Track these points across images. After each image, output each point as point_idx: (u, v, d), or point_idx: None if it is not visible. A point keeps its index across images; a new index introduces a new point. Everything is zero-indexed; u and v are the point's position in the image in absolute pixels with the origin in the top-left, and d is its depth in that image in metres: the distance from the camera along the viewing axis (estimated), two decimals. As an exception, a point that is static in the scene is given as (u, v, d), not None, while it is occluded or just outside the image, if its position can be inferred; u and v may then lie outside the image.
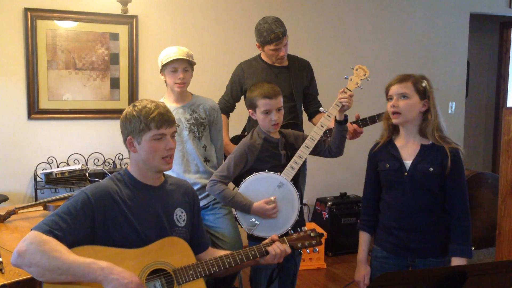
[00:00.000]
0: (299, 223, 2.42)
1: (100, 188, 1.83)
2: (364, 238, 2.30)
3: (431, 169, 2.11)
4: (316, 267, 4.12)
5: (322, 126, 2.47)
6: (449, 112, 5.40)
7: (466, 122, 5.62)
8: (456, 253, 2.12)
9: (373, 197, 2.29)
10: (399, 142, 2.22)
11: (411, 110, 2.13)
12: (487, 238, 4.33)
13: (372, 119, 2.84)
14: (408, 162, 2.16)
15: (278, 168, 2.42)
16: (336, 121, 2.48)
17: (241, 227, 2.44)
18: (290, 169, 2.41)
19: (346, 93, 2.44)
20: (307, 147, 2.46)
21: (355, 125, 2.79)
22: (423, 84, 2.14)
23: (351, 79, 2.59)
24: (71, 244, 1.70)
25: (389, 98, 2.19)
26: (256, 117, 2.47)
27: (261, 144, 2.45)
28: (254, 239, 2.38)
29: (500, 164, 3.39)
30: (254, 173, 2.41)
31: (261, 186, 2.39)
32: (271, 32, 2.90)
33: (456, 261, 2.11)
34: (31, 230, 1.70)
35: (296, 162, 2.42)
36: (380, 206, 2.27)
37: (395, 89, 2.16)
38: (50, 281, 1.65)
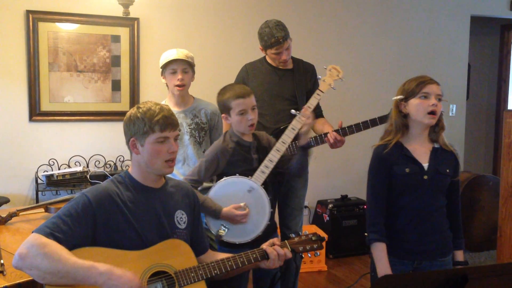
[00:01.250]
0: (270, 227, 2.38)
1: (100, 190, 1.83)
2: (383, 250, 2.09)
3: (448, 170, 2.13)
4: (317, 270, 4.12)
5: (293, 129, 2.41)
6: (450, 114, 5.40)
7: (467, 124, 5.62)
8: (460, 246, 2.21)
9: (384, 202, 2.15)
10: (410, 145, 2.16)
11: (439, 114, 2.13)
12: (488, 240, 4.32)
13: (357, 127, 2.77)
14: (425, 165, 2.13)
15: (250, 172, 2.36)
16: (299, 145, 2.42)
17: (211, 232, 2.37)
18: (261, 173, 2.34)
19: (306, 110, 2.41)
20: (278, 150, 2.38)
21: (335, 133, 2.72)
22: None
23: (324, 80, 2.57)
24: (72, 246, 1.70)
25: (422, 96, 2.09)
26: (231, 120, 2.38)
27: (233, 148, 2.38)
28: (224, 245, 2.35)
29: (501, 167, 3.39)
30: (224, 178, 2.36)
31: (231, 191, 2.33)
32: (272, 37, 2.90)
33: (460, 253, 2.20)
34: (32, 232, 1.70)
35: (266, 166, 2.35)
36: (390, 211, 2.16)
37: (434, 89, 2.09)
38: (51, 284, 1.65)
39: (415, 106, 2.10)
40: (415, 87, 2.11)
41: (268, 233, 2.33)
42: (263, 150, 2.42)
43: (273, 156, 2.37)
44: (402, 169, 2.12)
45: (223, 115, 2.43)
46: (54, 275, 1.62)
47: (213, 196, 2.34)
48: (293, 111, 2.46)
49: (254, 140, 2.43)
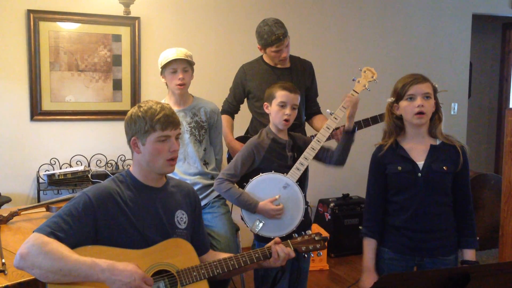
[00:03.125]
0: (305, 223, 2.43)
1: (101, 189, 1.83)
2: (370, 245, 2.20)
3: (445, 168, 2.11)
4: (319, 269, 4.11)
5: (328, 128, 2.49)
6: (452, 113, 5.39)
7: (469, 123, 5.61)
8: (470, 245, 2.16)
9: (379, 201, 2.22)
10: (406, 144, 2.17)
11: (432, 111, 2.12)
12: (490, 239, 4.32)
13: (359, 125, 2.81)
14: (420, 163, 2.13)
15: (284, 168, 2.43)
16: (344, 130, 2.50)
17: (247, 226, 2.44)
18: (296, 170, 2.43)
19: (352, 95, 2.45)
20: (313, 149, 2.47)
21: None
22: (436, 85, 2.15)
23: (358, 81, 2.59)
24: (73, 245, 1.70)
25: (408, 98, 2.10)
26: (270, 110, 2.48)
27: (269, 144, 2.47)
28: (261, 239, 2.40)
29: (503, 165, 3.38)
30: (260, 174, 2.42)
31: (267, 187, 2.41)
32: (272, 34, 2.90)
33: (469, 253, 2.16)
34: (33, 232, 1.70)
35: (302, 164, 2.44)
36: (389, 208, 2.20)
37: (419, 89, 2.09)
38: (53, 282, 1.65)
39: (403, 108, 2.14)
40: (400, 89, 2.13)
41: (303, 229, 2.35)
42: (298, 149, 2.50)
43: (308, 154, 2.46)
44: (395, 168, 2.16)
45: (265, 104, 2.53)
46: (56, 273, 1.62)
47: (249, 191, 2.42)
48: (328, 110, 2.54)
49: (290, 139, 2.52)
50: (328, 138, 2.77)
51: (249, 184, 2.43)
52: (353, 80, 2.59)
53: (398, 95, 2.14)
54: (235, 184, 2.48)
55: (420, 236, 2.13)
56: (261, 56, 3.14)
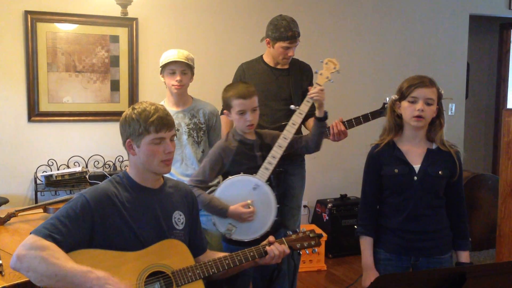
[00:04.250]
0: (278, 223, 2.40)
1: (99, 191, 1.83)
2: (368, 243, 2.21)
3: (440, 172, 2.12)
4: (316, 269, 4.11)
5: (293, 124, 2.45)
6: (449, 113, 5.39)
7: (466, 123, 5.61)
8: (464, 247, 2.18)
9: (374, 200, 2.24)
10: (403, 146, 2.18)
11: (432, 116, 2.13)
12: (487, 239, 4.32)
13: (350, 123, 2.82)
14: (416, 166, 2.14)
15: (254, 170, 2.38)
16: (315, 117, 2.49)
17: (220, 231, 2.39)
18: (265, 170, 2.37)
19: (315, 88, 2.45)
20: (280, 146, 2.42)
21: (340, 124, 2.78)
22: (441, 92, 2.16)
23: (321, 74, 2.58)
24: (70, 247, 1.70)
25: (410, 100, 2.10)
26: (231, 117, 2.43)
27: (236, 147, 2.41)
28: (233, 243, 2.36)
29: (500, 166, 3.38)
30: (229, 177, 2.38)
31: (236, 189, 2.35)
32: (289, 30, 2.87)
33: (463, 255, 2.18)
34: (30, 233, 1.69)
35: (270, 163, 2.38)
36: (384, 209, 2.21)
37: (423, 93, 2.08)
38: (47, 287, 1.65)
39: (404, 108, 2.14)
40: (405, 89, 2.13)
41: (276, 228, 2.35)
42: (267, 147, 2.44)
43: (276, 152, 2.41)
44: (391, 170, 2.16)
45: (224, 111, 2.45)
46: (51, 278, 1.62)
47: (219, 195, 2.36)
48: (292, 106, 2.50)
49: (258, 138, 2.46)
50: (299, 132, 2.75)
51: (218, 189, 2.38)
52: (315, 72, 2.59)
53: (402, 94, 2.14)
54: (204, 191, 2.42)
55: (415, 237, 2.14)
56: (261, 56, 3.13)
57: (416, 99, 2.09)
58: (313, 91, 2.45)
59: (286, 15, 2.98)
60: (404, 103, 2.13)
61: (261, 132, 2.52)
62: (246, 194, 2.34)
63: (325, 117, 2.48)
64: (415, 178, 2.13)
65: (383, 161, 2.18)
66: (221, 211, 2.32)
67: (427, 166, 2.13)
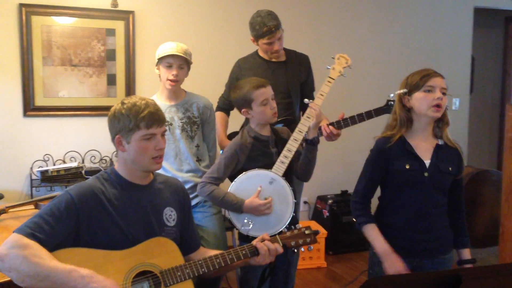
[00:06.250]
0: (294, 219, 2.35)
1: (85, 188, 1.79)
2: (376, 229, 2.08)
3: (450, 169, 2.08)
4: (316, 266, 4.06)
5: (308, 117, 2.37)
6: (453, 108, 5.33)
7: (471, 118, 5.55)
8: (465, 245, 2.15)
9: (371, 194, 2.17)
10: (412, 140, 2.11)
11: (445, 106, 2.08)
12: (491, 236, 4.25)
13: (353, 120, 2.73)
14: (427, 162, 2.07)
15: (270, 166, 2.35)
16: (306, 140, 2.38)
17: (236, 228, 2.35)
18: (280, 164, 2.33)
19: (317, 104, 2.37)
20: (295, 140, 2.36)
21: (331, 127, 2.68)
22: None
23: (333, 68, 2.54)
24: (54, 246, 1.66)
25: (427, 89, 2.04)
26: (253, 112, 2.36)
27: (252, 143, 2.38)
28: (248, 240, 2.30)
29: (503, 161, 3.32)
30: (244, 172, 2.34)
31: (252, 185, 2.31)
32: (263, 26, 2.86)
33: (466, 252, 2.15)
34: (13, 232, 1.66)
35: (286, 156, 2.34)
36: (391, 206, 2.13)
37: (439, 82, 2.05)
38: (29, 287, 1.60)
39: (419, 100, 2.06)
40: (419, 80, 2.07)
41: (293, 225, 2.28)
42: (283, 143, 2.40)
43: (291, 146, 2.36)
44: (402, 165, 2.08)
45: (243, 110, 2.39)
46: (33, 278, 1.58)
47: (234, 191, 2.32)
48: (306, 100, 2.44)
49: (273, 133, 2.43)
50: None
51: (234, 185, 2.33)
52: (327, 68, 2.53)
53: (414, 86, 2.07)
54: (219, 186, 2.38)
55: (420, 237, 2.08)
56: (256, 50, 3.10)
57: (433, 88, 2.04)
58: (310, 110, 2.36)
59: (262, 10, 2.94)
60: (419, 94, 2.06)
61: (276, 128, 2.48)
62: (262, 188, 2.30)
63: (316, 140, 2.37)
64: (426, 174, 2.06)
65: (393, 156, 2.10)
66: (236, 205, 2.27)
67: (437, 162, 2.07)
